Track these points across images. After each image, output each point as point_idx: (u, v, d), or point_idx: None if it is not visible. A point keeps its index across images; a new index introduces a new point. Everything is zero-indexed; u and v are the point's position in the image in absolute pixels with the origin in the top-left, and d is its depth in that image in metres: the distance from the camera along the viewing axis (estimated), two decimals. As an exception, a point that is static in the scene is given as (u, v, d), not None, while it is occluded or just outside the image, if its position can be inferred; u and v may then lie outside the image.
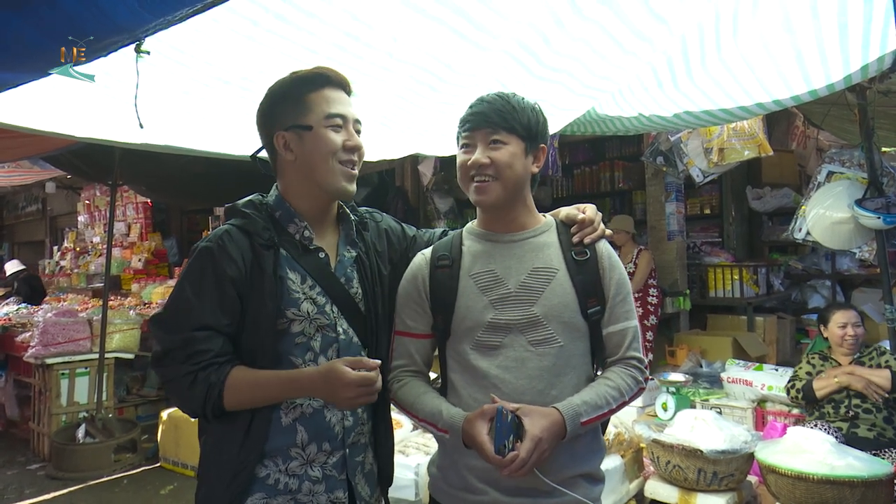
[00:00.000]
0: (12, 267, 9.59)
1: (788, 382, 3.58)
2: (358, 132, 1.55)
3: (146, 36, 1.63)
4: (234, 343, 1.45)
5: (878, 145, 3.69)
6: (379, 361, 1.41)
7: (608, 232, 1.62)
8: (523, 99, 1.54)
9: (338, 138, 1.50)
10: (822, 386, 3.37)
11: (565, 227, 1.61)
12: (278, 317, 1.43)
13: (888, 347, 3.49)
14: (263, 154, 1.61)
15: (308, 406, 1.47)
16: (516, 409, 1.39)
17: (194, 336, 1.39)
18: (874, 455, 2.97)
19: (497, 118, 1.48)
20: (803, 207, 4.02)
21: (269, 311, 1.42)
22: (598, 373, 1.57)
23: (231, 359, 1.43)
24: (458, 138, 1.56)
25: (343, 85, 1.55)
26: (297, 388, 1.41)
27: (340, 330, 1.51)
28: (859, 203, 3.51)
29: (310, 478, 1.47)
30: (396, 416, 2.39)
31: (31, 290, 8.73)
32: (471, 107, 1.54)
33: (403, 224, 1.81)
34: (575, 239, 1.57)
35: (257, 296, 1.43)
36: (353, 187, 1.54)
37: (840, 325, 3.47)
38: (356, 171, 1.55)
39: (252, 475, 1.43)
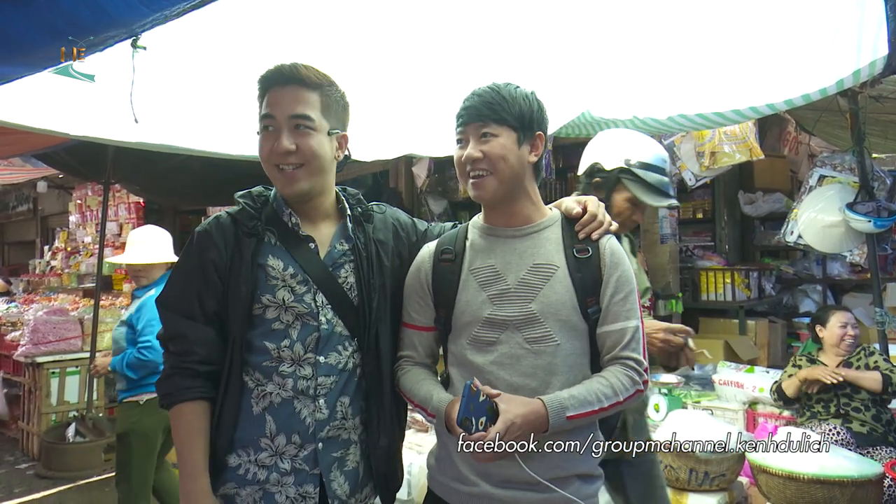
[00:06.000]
0: None
1: (774, 384, 3.64)
2: (298, 127, 1.45)
3: (143, 31, 1.64)
4: (221, 330, 1.49)
5: (870, 150, 3.72)
6: None
7: (614, 226, 1.57)
8: (516, 88, 1.49)
9: (266, 144, 1.47)
10: (788, 384, 3.47)
11: (570, 222, 1.55)
12: (253, 302, 1.46)
13: (877, 348, 3.52)
14: None
15: (277, 395, 1.47)
16: (497, 395, 1.37)
17: (186, 336, 1.47)
18: (868, 451, 3.04)
19: (486, 110, 1.45)
20: (795, 211, 4.05)
21: (244, 295, 1.45)
22: None
23: (209, 376, 1.47)
24: (455, 134, 1.55)
25: (295, 78, 1.45)
26: (184, 474, 1.44)
27: (323, 320, 1.50)
28: (850, 207, 3.53)
29: (279, 469, 1.47)
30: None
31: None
32: (464, 101, 1.51)
33: (414, 219, 1.77)
34: (581, 235, 1.52)
35: (234, 281, 1.47)
36: (299, 188, 1.48)
37: (840, 324, 3.52)
38: (298, 173, 1.47)
39: (223, 463, 1.47)
